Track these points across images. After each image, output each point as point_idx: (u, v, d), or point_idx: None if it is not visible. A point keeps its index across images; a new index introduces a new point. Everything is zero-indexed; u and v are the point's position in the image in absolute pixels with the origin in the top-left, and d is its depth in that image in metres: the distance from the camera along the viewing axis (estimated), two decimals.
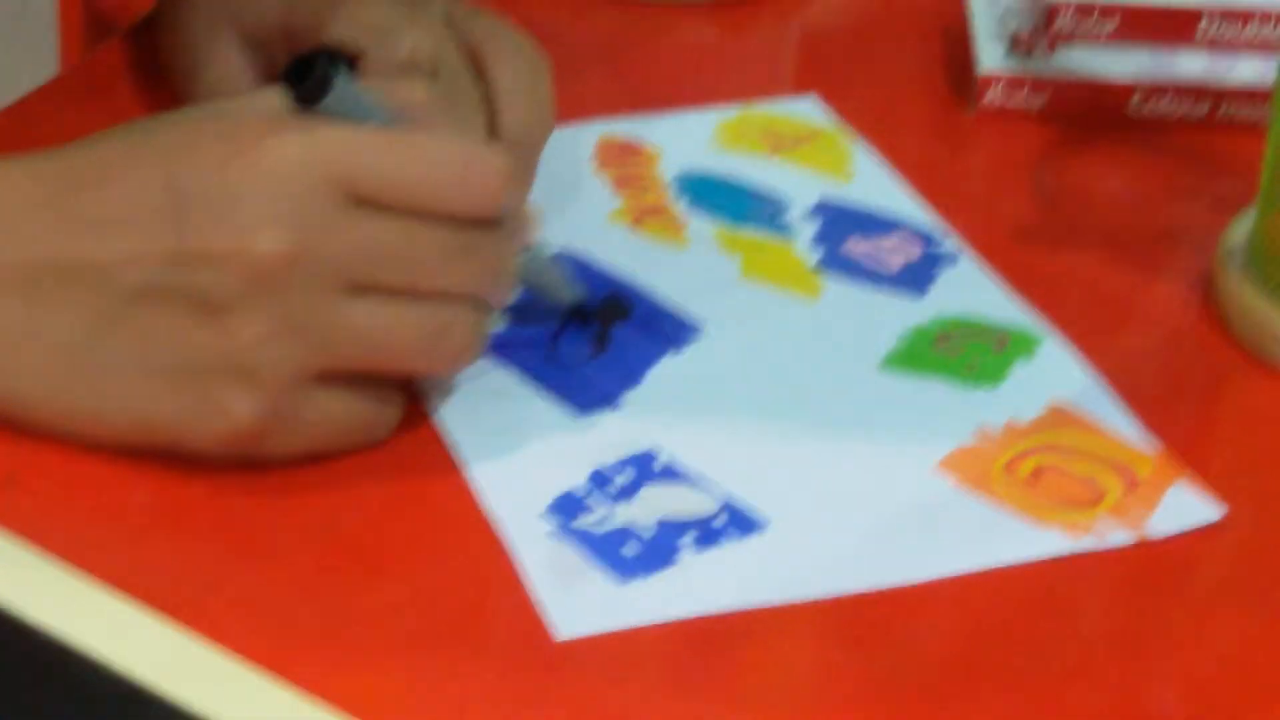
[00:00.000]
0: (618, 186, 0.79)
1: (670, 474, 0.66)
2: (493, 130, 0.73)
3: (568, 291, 0.71)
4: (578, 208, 0.77)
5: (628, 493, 0.66)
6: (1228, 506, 0.66)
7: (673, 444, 0.67)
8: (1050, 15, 0.84)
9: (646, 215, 0.78)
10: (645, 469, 0.66)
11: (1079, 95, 0.84)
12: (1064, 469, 0.68)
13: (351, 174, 0.62)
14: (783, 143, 0.82)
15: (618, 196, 0.78)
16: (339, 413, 0.64)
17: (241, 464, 0.64)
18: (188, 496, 0.64)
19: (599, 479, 0.66)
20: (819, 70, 0.86)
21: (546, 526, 0.64)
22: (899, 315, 0.73)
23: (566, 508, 0.65)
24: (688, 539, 0.64)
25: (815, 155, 0.81)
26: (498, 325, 0.70)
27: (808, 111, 0.84)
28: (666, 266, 0.75)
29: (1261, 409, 0.71)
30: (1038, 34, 0.85)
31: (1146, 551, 0.65)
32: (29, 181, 0.64)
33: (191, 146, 0.63)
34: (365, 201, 0.62)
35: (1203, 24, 0.84)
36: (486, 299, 0.65)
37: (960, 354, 0.72)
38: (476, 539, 0.64)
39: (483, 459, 0.66)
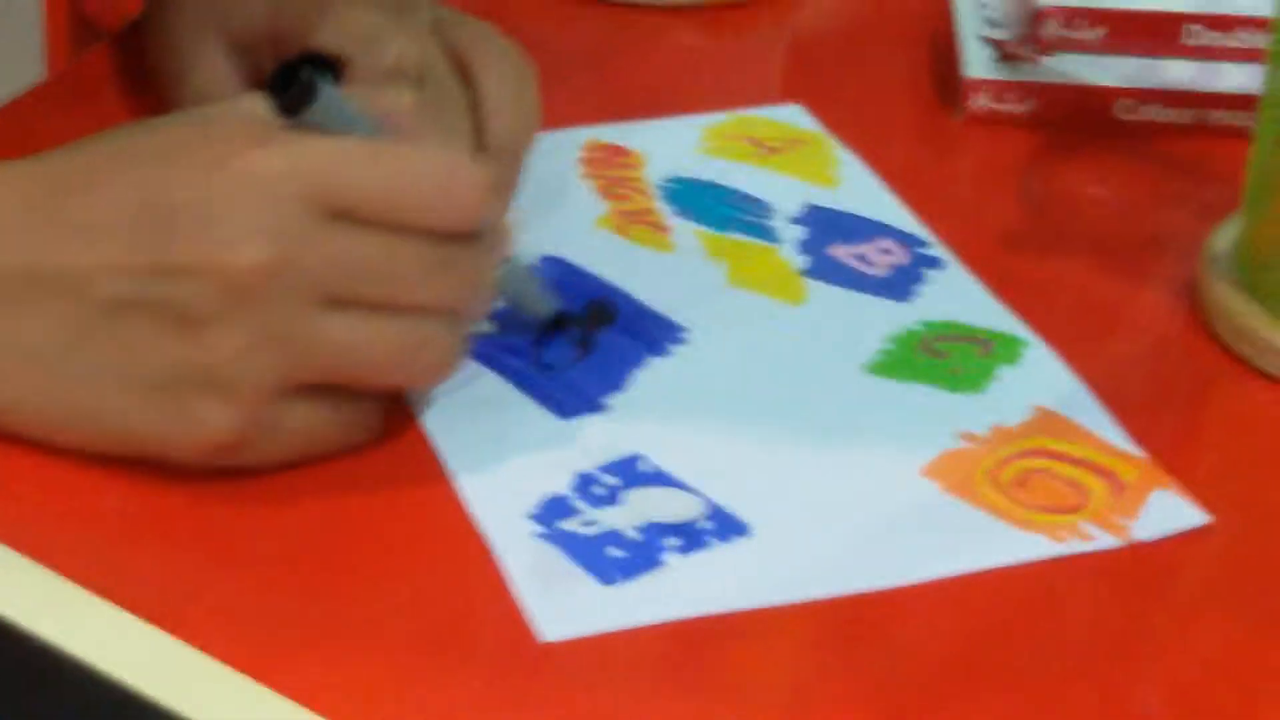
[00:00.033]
0: (604, 192, 0.79)
1: (656, 478, 0.66)
2: (479, 136, 0.73)
3: (544, 305, 0.71)
4: (564, 213, 0.77)
5: (613, 496, 0.66)
6: (1212, 512, 0.67)
7: (658, 448, 0.67)
8: (1037, 21, 0.84)
9: (632, 220, 0.78)
10: (631, 473, 0.66)
11: (1066, 101, 0.84)
12: (1049, 474, 0.68)
13: (332, 187, 0.62)
14: (769, 148, 0.82)
15: (604, 202, 0.79)
16: (317, 423, 0.64)
17: (222, 470, 0.64)
18: (168, 504, 0.64)
19: (584, 482, 0.66)
20: (806, 76, 0.87)
21: (531, 530, 0.64)
22: (884, 320, 0.74)
23: (552, 511, 0.65)
24: (673, 542, 0.64)
25: (801, 161, 0.81)
26: (481, 332, 0.70)
27: (794, 117, 0.84)
28: (652, 271, 0.75)
29: (1246, 415, 0.72)
30: (1024, 40, 0.85)
31: (1131, 556, 0.65)
32: (8, 188, 0.64)
33: (173, 156, 0.63)
34: (345, 215, 0.62)
35: (1189, 31, 0.84)
36: (465, 313, 0.65)
37: (946, 359, 0.72)
38: (461, 543, 0.64)
39: (467, 463, 0.66)
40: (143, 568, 0.62)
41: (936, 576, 0.64)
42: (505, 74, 0.74)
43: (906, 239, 0.77)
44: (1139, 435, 0.69)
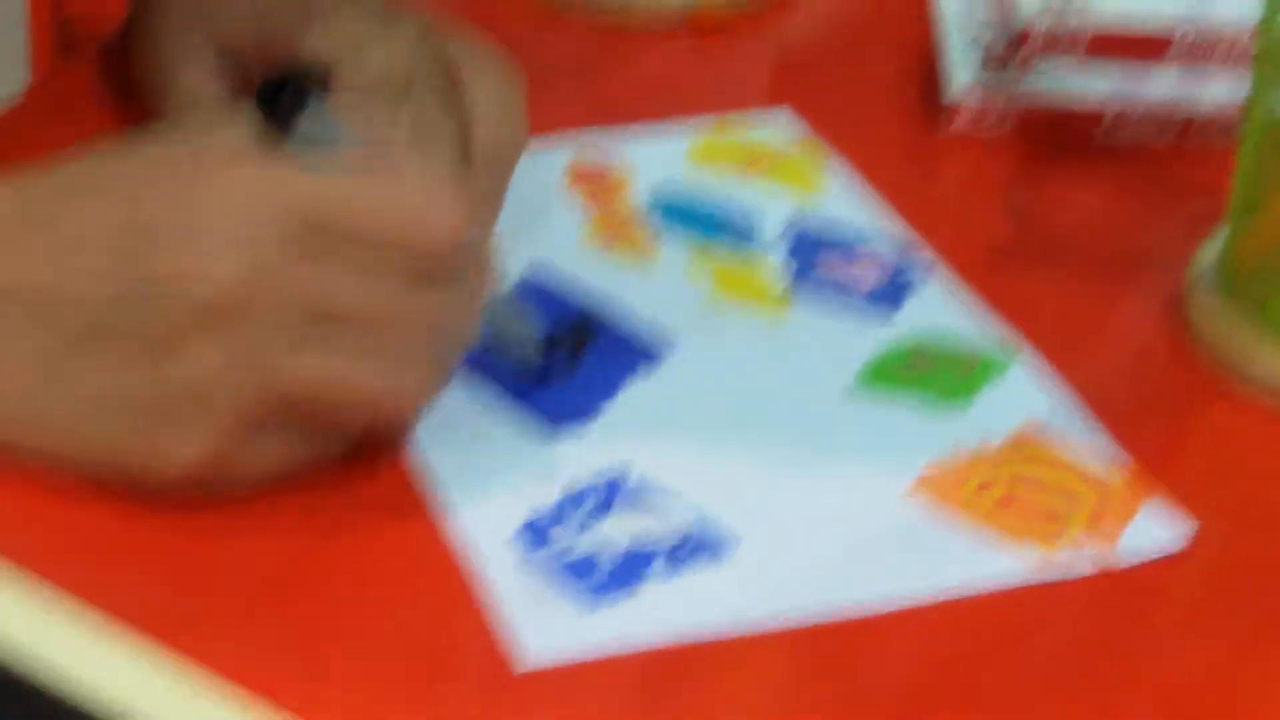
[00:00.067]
0: (589, 206, 0.79)
1: (640, 496, 0.66)
2: (465, 149, 0.73)
3: (532, 346, 0.70)
4: (549, 227, 0.77)
5: (597, 514, 0.65)
6: (1199, 526, 0.67)
7: (643, 466, 0.67)
8: (1023, 36, 0.85)
9: (618, 234, 0.78)
10: (615, 491, 0.66)
11: (1051, 116, 0.84)
12: (1036, 488, 0.68)
13: (311, 210, 0.62)
14: (755, 162, 0.82)
15: (589, 216, 0.78)
16: (289, 449, 0.64)
17: (202, 490, 0.64)
18: (147, 526, 0.63)
19: (569, 501, 0.66)
20: (793, 89, 0.87)
21: (515, 551, 0.64)
22: (870, 335, 0.74)
23: (535, 531, 0.65)
24: (657, 563, 0.64)
25: (788, 174, 0.81)
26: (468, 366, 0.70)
27: (781, 131, 0.84)
28: (637, 286, 0.75)
29: (1232, 429, 0.72)
30: (1011, 54, 0.85)
31: (1118, 573, 0.65)
32: None
33: (153, 176, 0.63)
34: (324, 240, 0.62)
35: (1173, 47, 0.84)
36: (445, 341, 0.65)
37: (931, 374, 0.72)
38: (443, 565, 0.64)
39: (451, 480, 0.66)
40: (122, 590, 0.62)
41: (925, 593, 0.64)
42: (492, 85, 0.74)
43: (893, 253, 0.77)
44: (1125, 449, 0.69)
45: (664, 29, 0.89)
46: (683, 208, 0.79)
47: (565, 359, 0.71)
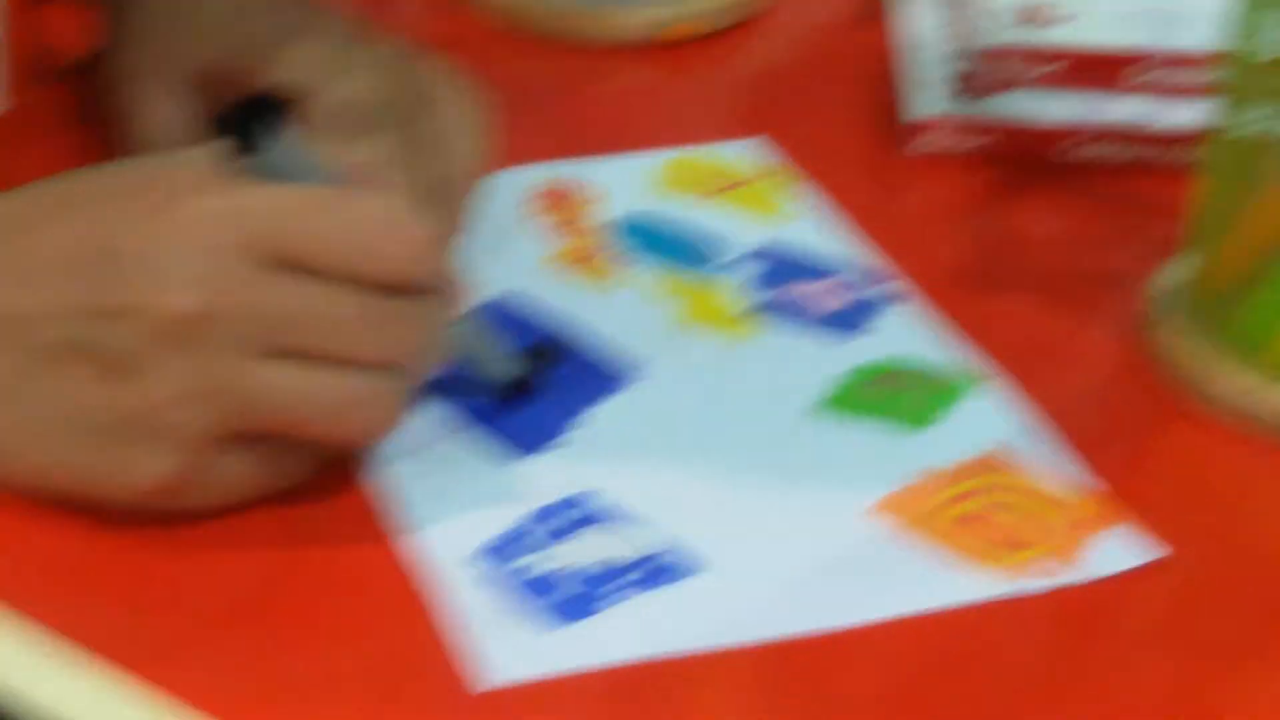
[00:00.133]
0: (557, 230, 0.79)
1: (604, 518, 0.66)
2: (432, 172, 0.73)
3: (501, 366, 0.70)
4: (517, 251, 0.77)
5: (560, 535, 0.66)
6: (1165, 548, 0.67)
7: (609, 488, 0.67)
8: (987, 60, 0.85)
9: (585, 258, 0.78)
10: (581, 513, 0.66)
11: (1015, 139, 0.84)
12: (1001, 511, 0.68)
13: (273, 235, 0.62)
14: (723, 186, 0.82)
15: (557, 240, 0.79)
16: (252, 470, 0.64)
17: (164, 513, 0.64)
18: (108, 547, 0.64)
19: (533, 522, 0.66)
20: (760, 113, 0.87)
21: (478, 570, 0.64)
22: (836, 358, 0.74)
23: (499, 551, 0.65)
24: (622, 583, 0.64)
25: (755, 198, 0.82)
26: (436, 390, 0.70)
27: (748, 154, 0.84)
28: (605, 310, 0.75)
29: (1196, 449, 0.72)
30: (975, 78, 0.86)
31: (1083, 593, 0.65)
32: None
33: (117, 201, 0.63)
34: (286, 264, 0.62)
35: (1137, 70, 0.85)
36: (408, 367, 0.64)
37: (897, 396, 0.72)
38: (406, 583, 0.64)
39: (414, 502, 0.66)
40: (78, 612, 0.62)
41: (891, 615, 0.64)
42: (461, 109, 0.74)
43: (859, 277, 0.78)
44: (1091, 471, 0.69)
45: (631, 50, 0.90)
46: (650, 231, 0.79)
47: (530, 381, 0.71)
